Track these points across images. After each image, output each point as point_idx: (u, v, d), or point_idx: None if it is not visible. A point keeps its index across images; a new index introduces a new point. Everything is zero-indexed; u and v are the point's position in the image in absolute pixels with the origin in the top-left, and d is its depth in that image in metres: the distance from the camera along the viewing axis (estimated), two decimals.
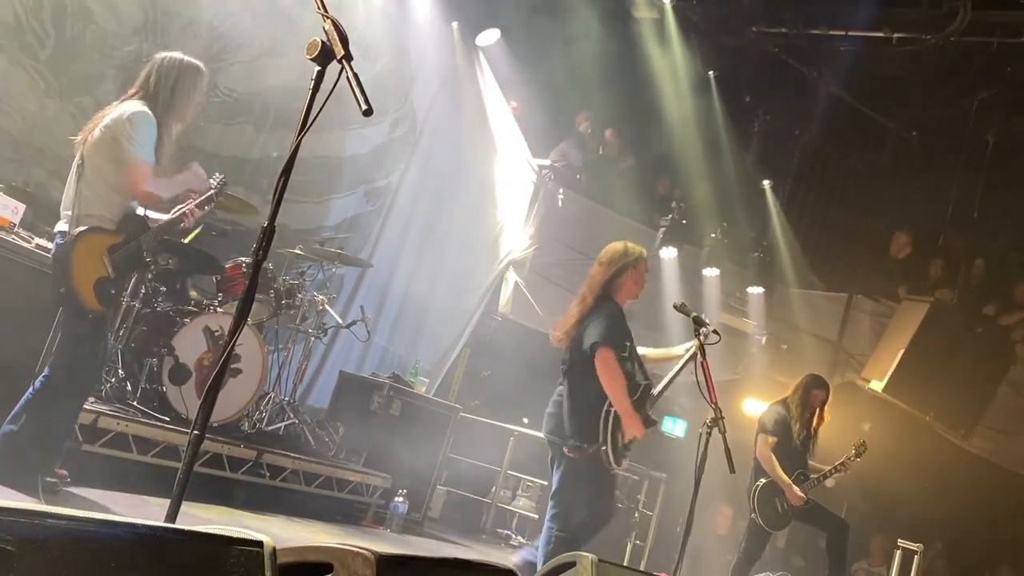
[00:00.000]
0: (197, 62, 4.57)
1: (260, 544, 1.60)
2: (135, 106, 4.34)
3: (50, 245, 4.78)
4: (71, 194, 4.35)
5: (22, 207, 4.72)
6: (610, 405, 5.16)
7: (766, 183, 10.74)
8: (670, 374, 5.52)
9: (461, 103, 9.61)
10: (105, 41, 6.98)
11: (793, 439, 6.86)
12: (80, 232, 4.23)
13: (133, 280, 5.90)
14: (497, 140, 9.76)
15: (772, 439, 6.80)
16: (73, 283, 4.20)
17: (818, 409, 6.96)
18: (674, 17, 9.61)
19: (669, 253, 10.00)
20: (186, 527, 1.58)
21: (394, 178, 9.38)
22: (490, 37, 9.48)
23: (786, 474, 6.76)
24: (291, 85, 8.00)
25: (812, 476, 6.84)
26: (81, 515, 1.41)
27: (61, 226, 4.34)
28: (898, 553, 7.33)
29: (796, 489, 6.70)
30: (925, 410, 9.48)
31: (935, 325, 9.33)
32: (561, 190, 10.12)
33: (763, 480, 6.78)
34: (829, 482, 6.99)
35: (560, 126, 10.52)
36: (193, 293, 6.72)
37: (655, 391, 5.45)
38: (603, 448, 5.13)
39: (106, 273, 4.31)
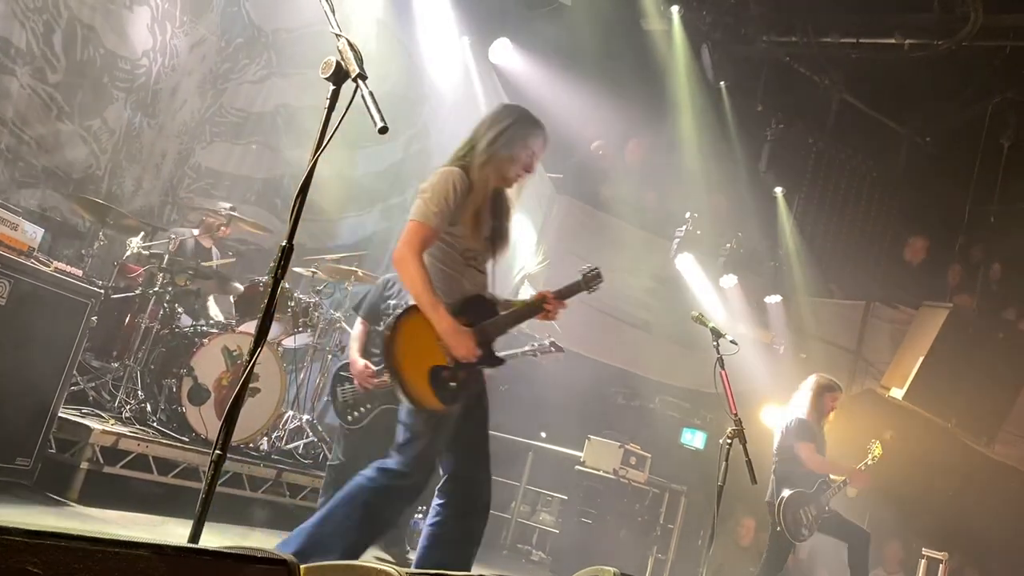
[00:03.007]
0: (530, 115, 3.98)
1: (284, 563, 1.59)
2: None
3: (70, 268, 4.81)
4: None
5: (40, 231, 4.75)
6: None
7: (778, 191, 10.72)
8: None
9: (474, 119, 9.61)
10: (114, 64, 7.05)
11: (816, 447, 6.81)
12: (411, 306, 3.59)
13: (152, 302, 5.96)
14: None
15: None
16: (397, 365, 3.54)
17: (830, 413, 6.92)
18: (685, 28, 9.61)
19: (684, 264, 9.98)
20: (210, 547, 1.58)
21: (409, 195, 9.40)
22: (501, 49, 9.51)
23: (808, 485, 6.70)
24: (300, 104, 8.06)
25: (833, 484, 6.78)
26: (106, 536, 1.41)
27: None
28: (923, 562, 7.25)
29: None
30: (947, 417, 9.39)
31: (954, 331, 9.26)
32: (574, 203, 10.12)
33: (787, 491, 6.72)
34: (850, 491, 6.93)
35: (572, 139, 10.54)
36: (211, 313, 6.76)
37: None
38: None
39: (443, 360, 3.59)
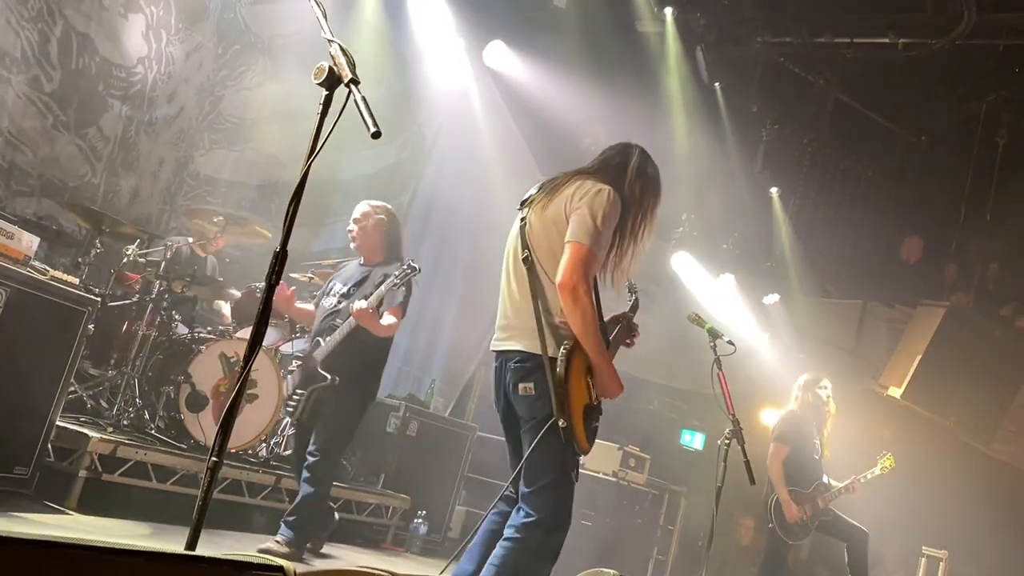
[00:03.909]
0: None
1: (281, 569, 1.60)
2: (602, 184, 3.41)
3: (66, 277, 4.81)
4: (522, 301, 3.40)
5: (36, 240, 4.74)
6: None
7: (773, 191, 10.73)
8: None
9: (468, 122, 9.64)
10: (109, 72, 7.05)
11: (809, 447, 6.80)
12: (573, 346, 3.22)
13: (149, 309, 5.96)
14: (505, 158, 9.78)
15: (785, 448, 6.74)
16: (572, 411, 3.20)
17: (826, 408, 6.88)
18: (679, 30, 9.61)
19: (682, 266, 9.98)
20: (207, 554, 1.58)
21: (405, 199, 9.41)
22: (496, 52, 9.51)
23: (804, 486, 6.70)
24: (295, 110, 8.06)
25: (832, 488, 6.77)
26: (103, 545, 1.41)
27: (511, 344, 3.39)
28: (923, 560, 7.26)
29: (794, 507, 6.61)
30: (945, 415, 9.40)
31: (951, 330, 9.28)
32: None
33: None
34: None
35: (567, 140, 10.53)
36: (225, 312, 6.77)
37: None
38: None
39: (591, 399, 3.33)
